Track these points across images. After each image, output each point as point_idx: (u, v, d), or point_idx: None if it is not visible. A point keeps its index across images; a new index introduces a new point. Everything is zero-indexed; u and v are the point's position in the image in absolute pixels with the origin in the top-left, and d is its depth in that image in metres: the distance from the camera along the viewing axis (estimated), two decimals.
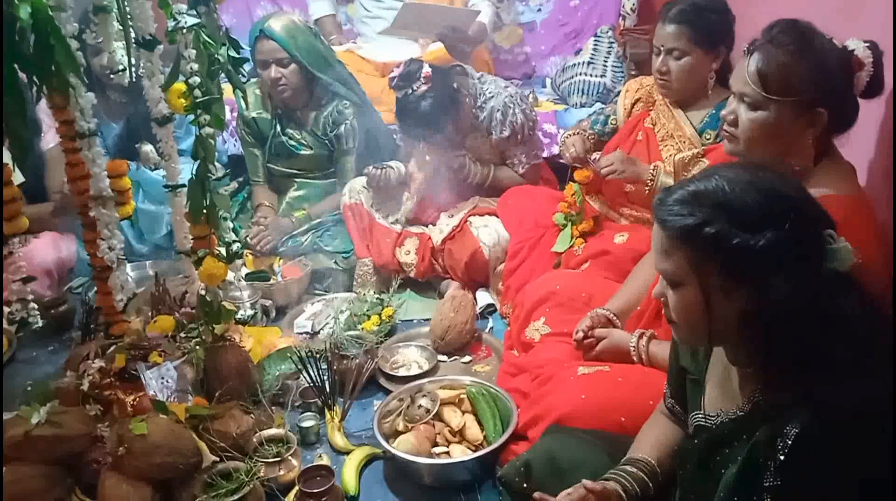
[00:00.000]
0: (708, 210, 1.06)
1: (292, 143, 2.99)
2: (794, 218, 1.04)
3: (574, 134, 2.48)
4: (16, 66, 1.60)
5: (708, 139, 2.14)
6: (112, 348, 1.97)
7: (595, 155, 2.38)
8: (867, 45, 1.45)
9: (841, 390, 1.02)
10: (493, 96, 2.69)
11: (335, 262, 2.81)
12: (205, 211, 2.01)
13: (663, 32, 2.13)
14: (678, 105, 2.23)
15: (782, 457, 1.01)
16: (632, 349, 1.78)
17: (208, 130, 1.94)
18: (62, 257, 2.74)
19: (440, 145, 2.70)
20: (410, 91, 2.56)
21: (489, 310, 2.60)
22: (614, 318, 1.89)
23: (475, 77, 2.75)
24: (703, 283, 1.09)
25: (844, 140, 1.54)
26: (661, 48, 2.14)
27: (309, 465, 1.85)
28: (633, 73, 3.23)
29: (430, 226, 2.80)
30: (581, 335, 1.87)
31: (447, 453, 1.85)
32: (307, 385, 2.09)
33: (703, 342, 1.21)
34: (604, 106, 2.69)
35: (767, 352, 1.09)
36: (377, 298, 2.55)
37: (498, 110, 2.66)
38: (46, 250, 2.67)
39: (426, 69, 2.56)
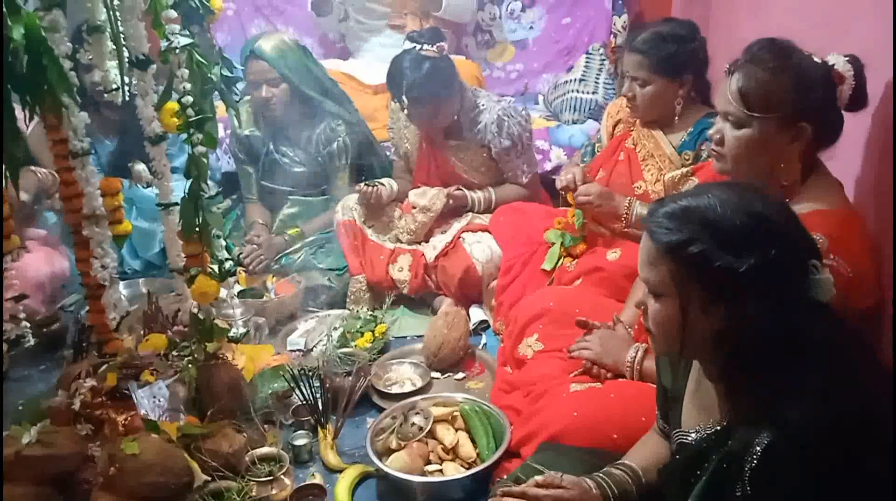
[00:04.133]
0: (695, 228, 1.08)
1: (285, 160, 3.00)
2: (780, 245, 1.05)
3: (574, 166, 2.49)
4: (9, 86, 1.61)
5: (687, 160, 2.17)
6: (104, 367, 1.97)
7: None
8: (847, 58, 1.48)
9: (810, 406, 1.03)
10: (486, 109, 2.71)
11: (328, 279, 2.81)
12: (197, 229, 2.01)
13: (628, 60, 2.19)
14: (657, 126, 2.26)
15: (752, 467, 1.03)
16: (628, 361, 1.79)
17: (201, 148, 1.96)
18: (55, 271, 2.75)
19: (428, 124, 2.71)
20: (418, 48, 2.60)
21: (482, 326, 2.60)
22: (630, 331, 1.90)
23: (468, 90, 2.78)
24: (683, 298, 1.11)
25: (830, 155, 1.56)
26: (627, 74, 2.20)
27: (301, 484, 1.85)
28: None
29: (423, 243, 2.81)
30: (597, 325, 1.90)
31: (440, 471, 1.85)
32: (300, 403, 2.09)
33: (675, 353, 1.23)
34: (590, 137, 2.72)
35: (738, 370, 1.12)
36: (370, 315, 2.55)
37: (492, 123, 2.69)
38: (39, 264, 2.67)
39: (443, 43, 2.62)
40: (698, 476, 1.15)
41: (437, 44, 2.62)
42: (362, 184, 2.80)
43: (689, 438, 1.25)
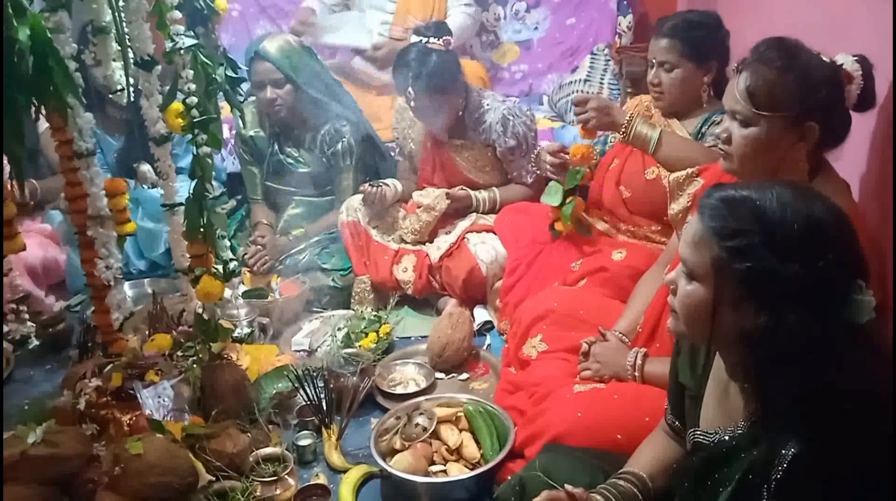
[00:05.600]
0: (749, 221, 1.05)
1: (290, 161, 3.01)
2: (829, 259, 1.01)
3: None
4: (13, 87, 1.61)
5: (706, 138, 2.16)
6: (109, 367, 1.97)
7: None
8: (856, 58, 1.47)
9: (838, 416, 1.01)
10: (490, 109, 2.72)
11: (333, 279, 2.81)
12: (202, 230, 2.02)
13: (656, 46, 2.18)
14: (674, 116, 2.25)
15: (778, 478, 1.01)
16: (628, 367, 1.79)
17: (205, 149, 1.96)
18: (47, 257, 2.76)
19: (432, 118, 2.70)
20: (425, 41, 2.63)
21: (487, 327, 2.60)
22: (625, 338, 1.90)
23: (473, 89, 2.78)
24: (717, 287, 1.08)
25: (837, 155, 1.55)
26: (654, 61, 2.20)
27: (306, 484, 1.85)
28: (629, 90, 3.25)
29: (428, 243, 2.81)
30: (586, 348, 1.89)
31: (444, 471, 1.85)
32: (304, 403, 2.09)
33: (698, 341, 1.20)
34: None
35: (761, 373, 1.09)
36: (375, 315, 2.55)
37: (497, 122, 2.69)
38: (32, 248, 2.67)
39: (449, 37, 2.65)
40: (717, 479, 1.13)
41: (444, 37, 2.64)
42: (366, 184, 2.80)
43: (709, 438, 1.23)
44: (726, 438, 1.18)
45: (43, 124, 2.66)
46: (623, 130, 2.13)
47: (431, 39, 2.63)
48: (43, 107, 1.72)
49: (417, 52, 2.61)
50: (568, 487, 1.31)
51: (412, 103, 2.65)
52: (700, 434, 1.26)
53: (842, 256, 1.03)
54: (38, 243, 2.76)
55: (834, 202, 1.09)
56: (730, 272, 1.06)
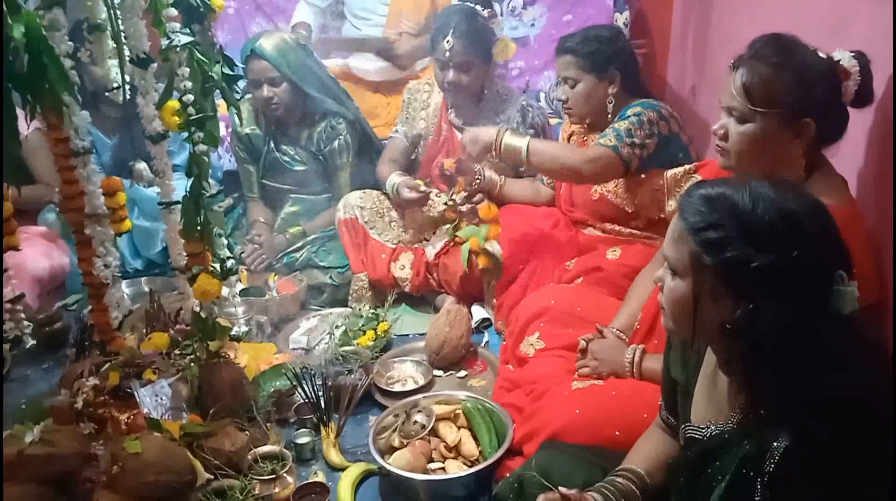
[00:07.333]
0: (724, 215, 1.08)
1: (286, 159, 3.00)
2: (805, 249, 1.02)
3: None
4: (9, 85, 1.60)
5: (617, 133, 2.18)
6: (106, 365, 1.97)
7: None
8: (853, 54, 1.47)
9: (828, 407, 1.01)
10: (510, 99, 2.75)
11: (330, 277, 2.81)
12: (199, 228, 2.01)
13: (558, 63, 2.32)
14: (595, 129, 2.35)
15: (771, 471, 1.02)
16: (626, 363, 1.78)
17: (202, 147, 1.95)
18: (54, 265, 2.75)
19: (458, 77, 2.66)
20: (470, 4, 2.71)
21: (484, 324, 2.60)
22: (623, 335, 1.90)
23: (495, 79, 2.82)
24: (697, 281, 1.11)
25: (835, 151, 1.55)
26: (559, 77, 2.33)
27: (304, 482, 1.85)
28: None
29: (424, 241, 2.80)
30: (583, 345, 1.89)
31: (443, 469, 1.85)
32: (302, 401, 2.09)
33: (685, 335, 1.22)
34: None
35: (746, 366, 1.10)
36: (372, 313, 2.55)
37: (517, 112, 2.72)
38: (38, 257, 2.67)
39: (491, 10, 2.77)
40: (710, 473, 1.14)
41: (487, 9, 2.73)
42: (411, 192, 2.69)
43: (701, 433, 1.24)
44: (718, 432, 1.20)
45: (28, 131, 2.66)
46: (494, 144, 2.23)
47: (477, 6, 2.69)
48: (38, 105, 1.71)
49: (464, 8, 2.68)
50: (562, 489, 1.31)
51: (447, 54, 2.60)
52: (692, 429, 1.27)
53: (819, 247, 1.05)
54: (44, 252, 2.74)
55: (811, 195, 1.11)
56: (706, 265, 1.09)
